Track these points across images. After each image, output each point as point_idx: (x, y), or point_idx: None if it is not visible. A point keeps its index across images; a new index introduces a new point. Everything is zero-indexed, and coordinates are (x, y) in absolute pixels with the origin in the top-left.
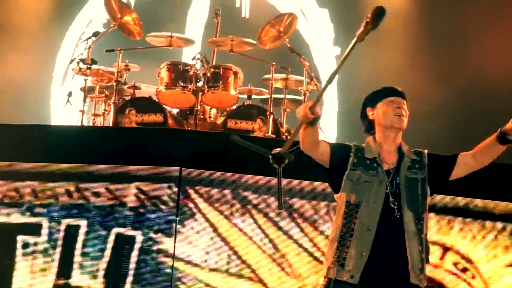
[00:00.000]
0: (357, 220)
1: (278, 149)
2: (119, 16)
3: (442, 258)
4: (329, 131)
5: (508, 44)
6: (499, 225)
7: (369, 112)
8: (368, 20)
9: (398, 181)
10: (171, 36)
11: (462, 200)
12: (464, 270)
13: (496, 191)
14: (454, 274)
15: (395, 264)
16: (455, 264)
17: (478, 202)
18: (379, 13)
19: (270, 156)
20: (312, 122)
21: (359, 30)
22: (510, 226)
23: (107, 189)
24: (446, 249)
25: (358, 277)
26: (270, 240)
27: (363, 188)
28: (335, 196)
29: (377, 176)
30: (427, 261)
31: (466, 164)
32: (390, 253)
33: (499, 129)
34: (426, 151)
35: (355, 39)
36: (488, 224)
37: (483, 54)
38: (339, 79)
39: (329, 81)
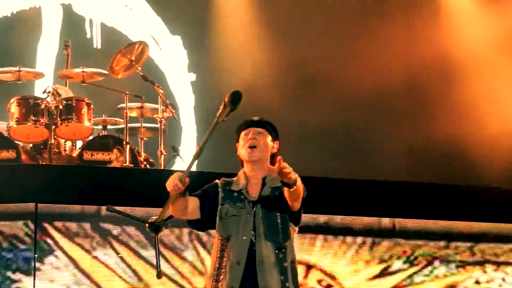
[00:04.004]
0: (227, 255)
1: (153, 218)
2: None
3: (306, 276)
4: (188, 157)
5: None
6: (359, 240)
7: (237, 147)
8: (225, 103)
9: (255, 213)
10: (19, 70)
11: (322, 218)
12: (328, 286)
13: (354, 207)
14: None
15: None
16: (319, 281)
17: (337, 219)
18: (235, 97)
19: (147, 225)
20: (182, 193)
21: (218, 112)
22: (369, 240)
23: None
24: (309, 267)
25: None
26: (133, 271)
27: (231, 222)
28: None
29: (245, 209)
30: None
31: None
32: (255, 286)
33: None
34: None
35: (215, 120)
36: (349, 239)
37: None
38: (196, 103)
39: (197, 156)
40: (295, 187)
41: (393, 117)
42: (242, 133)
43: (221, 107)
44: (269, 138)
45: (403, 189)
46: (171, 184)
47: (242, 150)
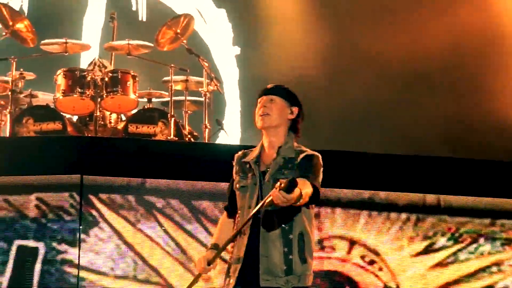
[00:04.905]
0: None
1: None
2: (11, 23)
3: (349, 252)
4: (232, 131)
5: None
6: (403, 216)
7: None
8: (280, 187)
9: (263, 183)
10: (65, 42)
11: (366, 193)
12: (372, 262)
13: (399, 182)
14: (362, 267)
15: (258, 270)
16: (362, 257)
17: (382, 195)
18: (291, 186)
19: None
20: None
21: (268, 197)
22: (414, 216)
23: (6, 201)
24: (352, 242)
25: (233, 283)
26: (177, 244)
27: (241, 193)
28: None
29: (253, 179)
30: (304, 261)
31: None
32: (257, 258)
33: None
34: (305, 153)
35: (261, 204)
36: (393, 215)
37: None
38: (241, 77)
39: (231, 239)
40: (299, 202)
41: (437, 91)
42: (258, 102)
43: (275, 190)
44: (285, 104)
45: (449, 165)
46: (199, 268)
47: (256, 117)
